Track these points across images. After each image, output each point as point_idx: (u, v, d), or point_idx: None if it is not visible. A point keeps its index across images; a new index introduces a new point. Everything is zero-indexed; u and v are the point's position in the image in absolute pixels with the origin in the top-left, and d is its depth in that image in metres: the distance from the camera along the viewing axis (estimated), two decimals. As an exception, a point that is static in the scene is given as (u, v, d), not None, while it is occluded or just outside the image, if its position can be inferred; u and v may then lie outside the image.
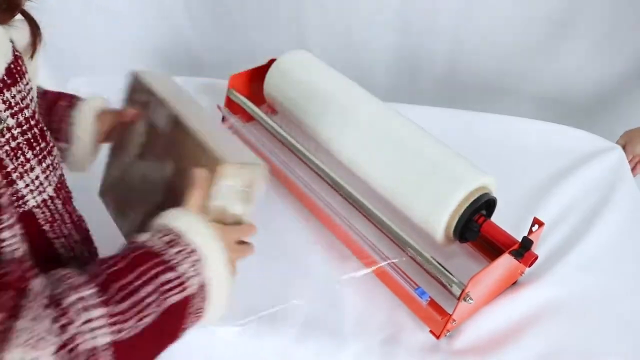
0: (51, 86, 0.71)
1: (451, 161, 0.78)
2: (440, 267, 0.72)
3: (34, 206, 0.51)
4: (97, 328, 0.41)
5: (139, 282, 0.45)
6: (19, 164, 0.49)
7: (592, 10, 1.27)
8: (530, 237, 0.70)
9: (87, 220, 0.62)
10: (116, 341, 0.42)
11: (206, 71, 1.31)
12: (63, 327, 0.40)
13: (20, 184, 0.49)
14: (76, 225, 0.58)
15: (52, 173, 0.53)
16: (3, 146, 0.46)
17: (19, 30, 0.48)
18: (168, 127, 0.62)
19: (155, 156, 0.64)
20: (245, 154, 0.59)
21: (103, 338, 0.42)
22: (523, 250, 0.70)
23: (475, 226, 0.75)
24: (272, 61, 1.02)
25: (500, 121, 1.09)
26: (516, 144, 1.03)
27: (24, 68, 0.48)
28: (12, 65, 0.47)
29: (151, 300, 0.45)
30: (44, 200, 0.52)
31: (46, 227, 0.54)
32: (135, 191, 0.66)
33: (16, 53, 0.48)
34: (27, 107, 0.48)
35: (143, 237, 0.49)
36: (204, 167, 0.54)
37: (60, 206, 0.55)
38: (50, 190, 0.52)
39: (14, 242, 0.41)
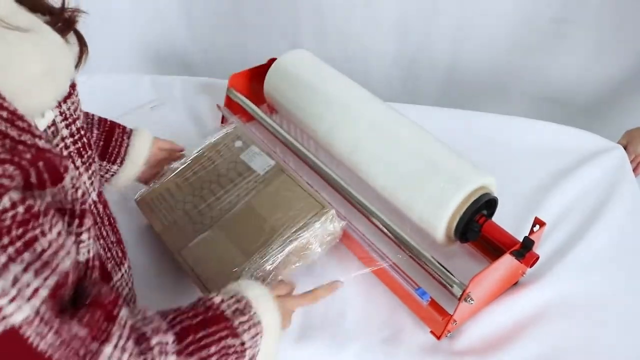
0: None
1: (452, 161, 0.77)
2: (441, 268, 0.72)
3: None
4: None
5: (207, 340, 0.51)
6: None
7: (593, 10, 1.26)
8: (531, 237, 0.70)
9: None
10: None
11: (202, 72, 1.31)
12: None
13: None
14: (113, 227, 0.60)
15: (95, 179, 0.55)
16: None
17: (71, 47, 0.50)
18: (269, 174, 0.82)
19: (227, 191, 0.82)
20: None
21: None
22: (524, 250, 0.69)
23: (476, 226, 0.74)
24: (272, 61, 1.02)
25: (500, 121, 1.09)
26: (517, 144, 1.03)
27: (74, 80, 0.51)
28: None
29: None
30: (90, 204, 0.54)
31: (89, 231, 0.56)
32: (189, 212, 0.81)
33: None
34: (78, 118, 0.50)
35: (217, 299, 0.55)
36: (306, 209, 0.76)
37: (101, 209, 0.57)
38: (94, 195, 0.54)
39: (87, 245, 0.46)
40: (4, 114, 0.37)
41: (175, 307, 0.54)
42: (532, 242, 0.69)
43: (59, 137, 0.48)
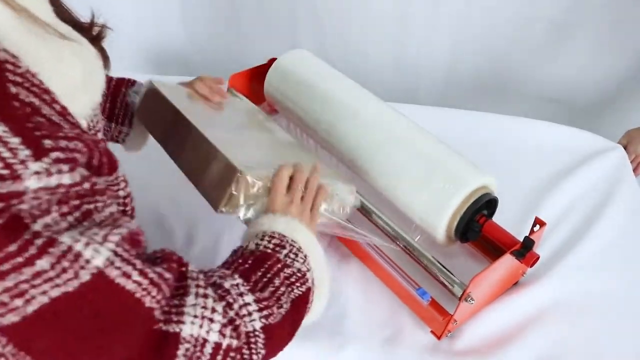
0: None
1: (452, 161, 0.77)
2: (442, 267, 0.72)
3: None
4: (252, 312, 0.46)
5: (270, 275, 0.50)
6: None
7: (593, 10, 1.26)
8: (531, 237, 0.70)
9: None
10: (266, 326, 0.46)
11: (201, 73, 1.31)
12: (226, 308, 0.44)
13: None
14: (132, 218, 0.61)
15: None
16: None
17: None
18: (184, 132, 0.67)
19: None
20: (223, 179, 0.59)
21: (257, 322, 0.46)
22: (524, 250, 0.69)
23: (477, 226, 0.74)
24: (272, 60, 1.02)
25: (500, 121, 1.09)
26: (517, 144, 1.03)
27: None
28: None
29: (283, 291, 0.50)
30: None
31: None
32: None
33: None
34: (100, 130, 0.51)
35: (252, 246, 0.54)
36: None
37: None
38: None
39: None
40: (57, 107, 0.38)
41: (223, 262, 0.53)
42: (532, 242, 0.69)
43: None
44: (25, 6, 0.39)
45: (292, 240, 0.55)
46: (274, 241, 0.54)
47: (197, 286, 0.43)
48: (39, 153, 0.34)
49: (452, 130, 1.00)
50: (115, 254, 0.37)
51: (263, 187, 0.59)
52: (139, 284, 0.38)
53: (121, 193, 0.45)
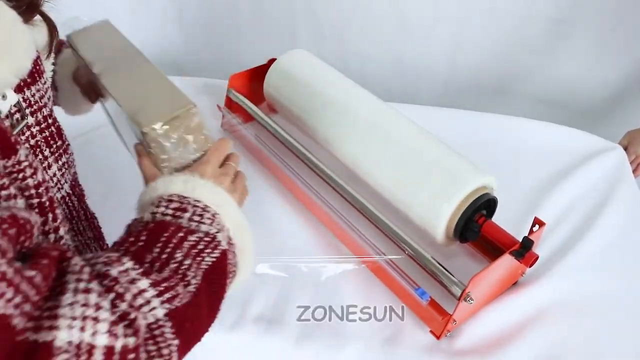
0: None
1: (451, 161, 0.77)
2: (441, 267, 0.72)
3: None
4: (150, 300, 0.38)
5: (169, 249, 0.42)
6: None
7: (594, 9, 1.26)
8: (530, 237, 0.70)
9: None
10: (172, 311, 0.39)
11: (198, 74, 1.31)
12: (115, 301, 0.36)
13: None
14: (90, 222, 0.58)
15: (67, 171, 0.53)
16: (23, 144, 0.43)
17: (38, 30, 0.49)
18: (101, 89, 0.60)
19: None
20: (169, 102, 0.53)
21: (159, 310, 0.38)
22: (524, 250, 0.69)
23: (476, 226, 0.74)
24: (272, 61, 1.02)
25: (500, 121, 1.09)
26: (517, 144, 1.03)
27: (42, 67, 0.49)
28: (33, 64, 0.47)
29: (189, 264, 0.42)
30: (62, 197, 0.53)
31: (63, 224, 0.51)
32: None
33: (36, 52, 0.48)
34: (45, 105, 0.49)
35: (147, 216, 0.46)
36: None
37: (76, 203, 0.55)
38: (67, 187, 0.53)
39: (66, 241, 0.42)
40: None
41: (115, 241, 0.44)
42: (531, 242, 0.69)
43: (23, 124, 0.45)
44: None
45: (194, 200, 0.46)
46: (172, 205, 0.45)
47: (78, 280, 0.35)
48: None
49: (451, 131, 0.99)
50: None
51: (197, 133, 0.53)
52: (1, 294, 0.30)
53: (29, 182, 0.39)
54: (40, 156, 0.49)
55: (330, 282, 0.78)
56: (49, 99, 0.50)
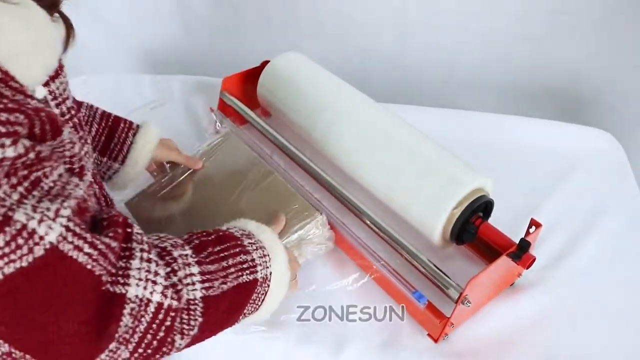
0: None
1: (448, 163, 0.77)
2: (438, 270, 0.72)
3: None
4: (195, 282, 0.50)
5: (225, 254, 0.55)
6: None
7: (594, 7, 1.25)
8: (527, 239, 0.69)
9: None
10: (205, 297, 0.50)
11: (200, 73, 1.30)
12: (170, 273, 0.48)
13: None
14: (109, 207, 0.63)
15: (89, 160, 0.56)
16: (67, 124, 0.51)
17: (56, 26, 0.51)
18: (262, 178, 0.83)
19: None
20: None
21: (198, 292, 0.50)
22: (521, 252, 0.69)
23: (472, 228, 0.74)
24: (265, 63, 1.01)
25: (500, 121, 1.08)
26: (515, 144, 1.02)
27: (62, 62, 0.51)
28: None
29: (232, 271, 0.54)
30: (87, 184, 0.55)
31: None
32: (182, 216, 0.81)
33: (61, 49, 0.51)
34: (67, 98, 0.51)
35: (224, 227, 0.61)
36: (295, 211, 0.76)
37: (97, 191, 0.59)
38: (89, 176, 0.55)
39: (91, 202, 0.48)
40: None
41: (190, 232, 0.57)
42: (528, 244, 0.69)
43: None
44: None
45: (257, 240, 0.60)
46: (243, 231, 0.60)
47: (142, 250, 0.46)
48: None
49: (450, 130, 1.00)
50: (67, 229, 0.39)
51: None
52: (90, 255, 0.40)
53: (67, 153, 0.46)
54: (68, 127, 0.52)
55: (328, 285, 0.78)
56: (69, 91, 0.53)
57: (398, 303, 0.75)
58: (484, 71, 1.44)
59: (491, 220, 0.76)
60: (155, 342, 0.46)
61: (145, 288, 0.44)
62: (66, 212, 0.39)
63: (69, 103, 0.51)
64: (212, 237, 0.56)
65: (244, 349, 0.72)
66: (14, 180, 0.37)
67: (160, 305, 0.45)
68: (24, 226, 0.36)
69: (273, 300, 0.61)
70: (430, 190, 0.75)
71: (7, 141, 0.37)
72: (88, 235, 0.41)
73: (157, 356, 0.48)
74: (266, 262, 0.59)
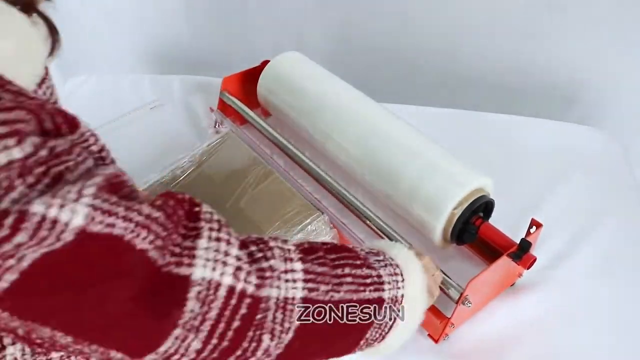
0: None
1: (448, 163, 0.77)
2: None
3: None
4: (296, 280, 0.44)
5: (340, 262, 0.48)
6: None
7: (594, 7, 1.25)
8: (528, 239, 0.69)
9: None
10: (307, 298, 0.44)
11: (204, 72, 1.30)
12: (256, 260, 0.43)
13: None
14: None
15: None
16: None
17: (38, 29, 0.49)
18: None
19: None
20: None
21: (299, 292, 0.44)
22: (521, 252, 0.69)
23: (473, 228, 0.74)
24: (265, 63, 1.01)
25: (499, 121, 1.08)
26: (515, 144, 1.01)
27: (47, 66, 0.50)
28: None
29: (348, 282, 0.47)
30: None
31: None
32: None
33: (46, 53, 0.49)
34: (56, 102, 0.50)
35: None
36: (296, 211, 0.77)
37: None
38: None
39: None
40: None
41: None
42: (529, 244, 0.69)
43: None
44: None
45: (389, 257, 0.53)
46: (370, 250, 0.53)
47: (211, 229, 0.42)
48: None
49: (450, 130, 0.99)
50: (94, 208, 0.35)
51: None
52: (125, 228, 0.37)
53: (94, 148, 0.43)
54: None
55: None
56: (56, 95, 0.51)
57: (398, 303, 0.75)
58: (484, 71, 1.44)
59: (492, 221, 0.76)
60: (230, 333, 0.41)
61: (214, 269, 0.40)
62: (90, 190, 0.36)
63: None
64: (328, 246, 0.49)
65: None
66: (30, 180, 0.34)
67: (231, 289, 0.40)
68: (44, 217, 0.33)
69: (404, 329, 0.53)
70: (431, 190, 0.75)
71: (11, 141, 0.34)
72: (120, 209, 0.37)
73: (239, 353, 0.42)
74: (397, 281, 0.51)
